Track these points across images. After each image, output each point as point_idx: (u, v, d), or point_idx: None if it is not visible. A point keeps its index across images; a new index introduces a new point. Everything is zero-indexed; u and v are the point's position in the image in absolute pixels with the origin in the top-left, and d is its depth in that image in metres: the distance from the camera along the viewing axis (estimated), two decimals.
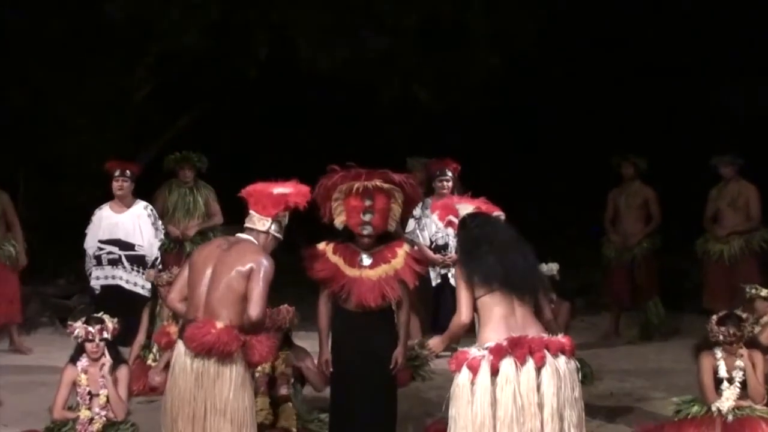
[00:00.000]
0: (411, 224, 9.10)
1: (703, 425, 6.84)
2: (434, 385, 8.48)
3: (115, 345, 6.76)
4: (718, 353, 6.92)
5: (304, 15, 12.32)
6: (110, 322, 6.63)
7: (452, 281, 8.97)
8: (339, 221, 6.00)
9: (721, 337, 6.82)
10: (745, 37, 13.27)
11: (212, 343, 5.22)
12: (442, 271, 9.07)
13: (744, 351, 6.89)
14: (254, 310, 5.26)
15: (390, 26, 12.39)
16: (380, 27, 12.37)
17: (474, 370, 5.00)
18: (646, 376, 8.71)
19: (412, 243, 9.13)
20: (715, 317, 6.88)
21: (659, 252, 10.38)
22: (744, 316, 6.95)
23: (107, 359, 6.61)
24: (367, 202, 5.90)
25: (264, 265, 5.33)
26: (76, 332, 6.61)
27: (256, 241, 5.48)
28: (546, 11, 12.75)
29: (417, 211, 8.98)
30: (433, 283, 9.10)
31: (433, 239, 9.12)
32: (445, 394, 7.90)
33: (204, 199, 9.56)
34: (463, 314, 5.10)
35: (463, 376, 5.06)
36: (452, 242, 9.00)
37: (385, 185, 5.95)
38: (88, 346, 6.58)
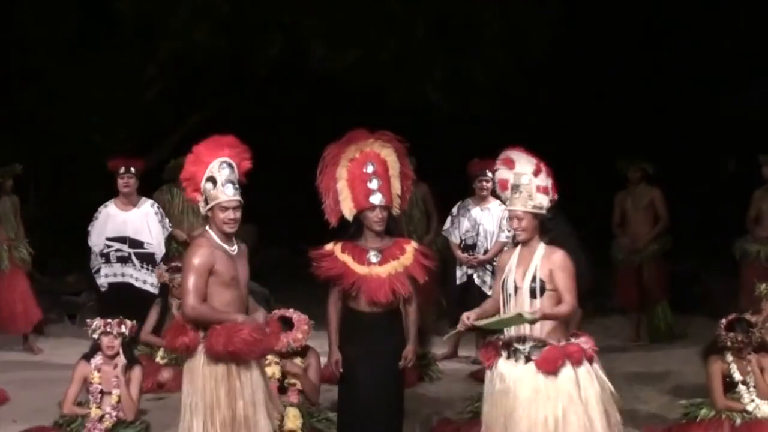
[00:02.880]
0: (448, 222, 9.18)
1: (711, 428, 6.84)
2: (442, 385, 8.50)
3: (131, 346, 6.80)
4: (729, 357, 6.92)
5: (315, 15, 12.34)
6: (129, 321, 6.68)
7: (477, 281, 9.02)
8: (347, 209, 5.92)
9: (729, 343, 6.82)
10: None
11: (172, 347, 5.43)
12: (469, 271, 9.06)
13: (753, 357, 6.90)
14: (182, 305, 5.32)
15: (401, 27, 12.40)
16: (391, 28, 12.38)
17: (591, 360, 5.37)
18: (654, 378, 8.71)
19: (437, 238, 9.28)
20: (724, 321, 6.87)
21: (669, 254, 10.36)
22: (753, 320, 6.93)
23: (122, 359, 6.64)
24: (370, 168, 5.87)
25: (185, 257, 5.41)
26: (94, 325, 6.64)
27: (209, 231, 5.41)
28: (557, 14, 12.75)
29: (454, 210, 9.15)
30: (458, 282, 9.12)
31: (463, 238, 9.11)
32: (453, 394, 8.01)
33: None
34: (573, 304, 5.33)
35: (586, 365, 5.31)
36: (480, 243, 9.04)
37: (383, 150, 5.94)
38: (105, 339, 6.59)
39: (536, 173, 5.42)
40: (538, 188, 5.41)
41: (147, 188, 9.37)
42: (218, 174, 5.34)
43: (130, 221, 8.92)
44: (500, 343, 5.42)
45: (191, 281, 5.26)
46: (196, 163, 5.42)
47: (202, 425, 5.23)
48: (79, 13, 12.28)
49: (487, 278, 8.92)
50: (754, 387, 6.89)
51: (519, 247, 5.47)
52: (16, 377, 8.60)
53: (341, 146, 5.97)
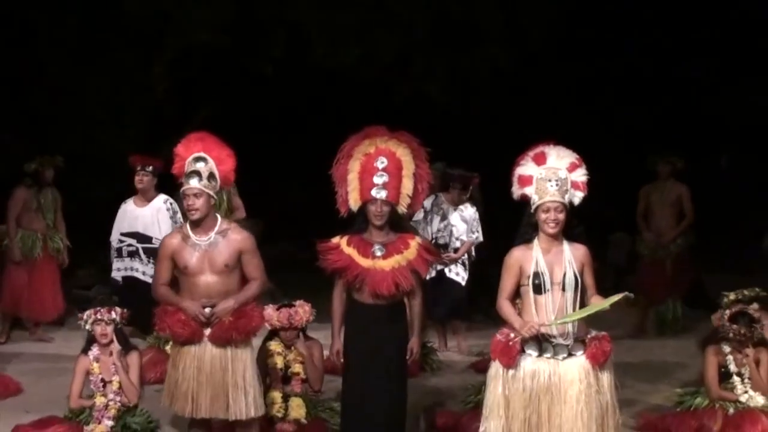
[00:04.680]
0: (420, 214, 9.18)
1: (705, 417, 6.88)
2: (442, 376, 8.54)
3: (123, 332, 6.84)
4: (726, 348, 6.95)
5: (319, 14, 12.36)
6: (118, 308, 6.74)
7: (450, 275, 9.22)
8: (353, 200, 5.98)
9: (731, 334, 6.85)
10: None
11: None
12: (439, 267, 9.14)
13: (750, 351, 6.94)
14: None
15: (402, 25, 12.43)
16: (393, 27, 12.40)
17: None
18: (649, 369, 8.74)
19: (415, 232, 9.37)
20: (728, 312, 6.88)
21: (693, 249, 10.30)
22: (757, 316, 6.94)
23: (116, 346, 6.68)
24: (381, 164, 5.92)
25: None
26: (85, 316, 6.70)
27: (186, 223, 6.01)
28: (557, 12, 12.77)
29: (427, 204, 9.10)
30: (428, 277, 9.17)
31: (435, 237, 9.22)
32: (453, 385, 8.05)
33: (227, 195, 9.59)
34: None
35: None
36: (452, 243, 9.21)
37: (399, 149, 5.99)
38: (98, 328, 6.64)
39: (572, 169, 5.37)
40: (573, 184, 5.35)
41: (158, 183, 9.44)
42: (189, 167, 5.79)
43: (141, 217, 8.99)
44: (525, 340, 5.26)
45: (157, 266, 5.98)
46: (177, 160, 5.89)
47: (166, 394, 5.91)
48: (87, 13, 12.30)
49: (460, 270, 9.25)
50: (749, 379, 6.93)
51: (535, 244, 5.34)
52: (29, 369, 8.64)
53: (357, 140, 6.04)
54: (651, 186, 10.29)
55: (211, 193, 5.79)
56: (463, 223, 9.26)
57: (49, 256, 9.73)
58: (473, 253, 9.37)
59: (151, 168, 9.00)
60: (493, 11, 12.55)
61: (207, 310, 5.72)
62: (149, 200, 9.05)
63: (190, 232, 5.79)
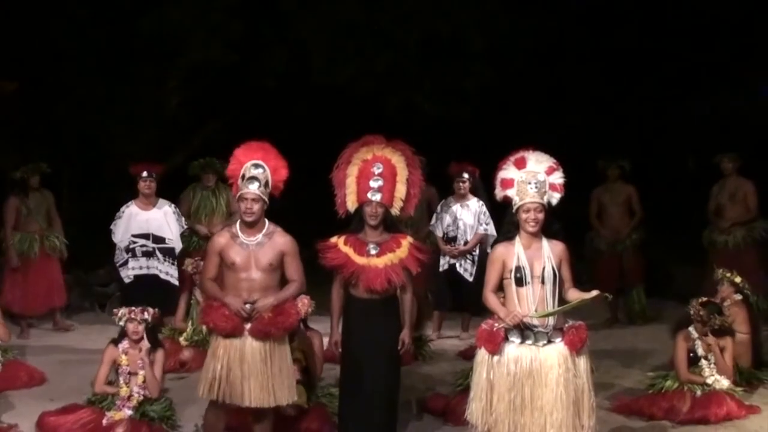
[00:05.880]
0: (434, 218, 9.33)
1: (675, 398, 6.88)
2: (434, 364, 8.49)
3: (154, 331, 6.81)
4: (694, 333, 6.97)
5: (317, 33, 12.35)
6: (151, 309, 6.71)
7: (459, 269, 9.17)
8: (351, 201, 5.99)
9: (692, 312, 6.98)
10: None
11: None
12: (451, 261, 9.16)
13: (711, 339, 7.00)
14: None
15: (394, 43, 12.40)
16: (385, 44, 12.38)
17: None
18: (623, 355, 8.71)
19: (430, 233, 9.36)
20: (700, 299, 7.03)
21: (645, 243, 10.33)
22: (724, 307, 7.13)
23: (145, 343, 6.67)
24: (377, 170, 5.93)
25: None
26: (120, 313, 6.66)
27: (236, 223, 5.92)
28: (537, 28, 12.75)
29: (438, 208, 9.30)
30: (441, 269, 9.23)
31: (446, 231, 9.24)
32: (443, 371, 8.01)
33: (225, 200, 9.53)
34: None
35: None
36: (460, 236, 9.16)
37: (394, 156, 5.97)
38: (130, 326, 6.61)
39: (550, 172, 5.37)
40: (551, 186, 5.35)
41: (167, 188, 9.37)
42: (247, 172, 5.72)
43: (152, 219, 8.92)
44: (509, 328, 5.25)
45: (205, 262, 5.89)
46: (234, 162, 5.80)
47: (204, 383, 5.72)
48: (106, 30, 12.26)
49: (468, 266, 9.15)
50: (715, 363, 6.94)
51: (517, 241, 5.34)
52: (53, 360, 8.58)
53: (357, 147, 6.05)
54: (602, 188, 10.32)
55: (266, 199, 5.73)
56: (470, 216, 9.14)
57: (46, 254, 9.78)
58: (488, 249, 9.20)
59: (155, 174, 8.98)
60: (477, 31, 12.53)
61: (248, 306, 5.64)
62: (153, 204, 8.98)
63: (239, 232, 5.74)
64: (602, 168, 10.30)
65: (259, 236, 5.72)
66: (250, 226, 5.73)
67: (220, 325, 5.65)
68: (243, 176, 5.70)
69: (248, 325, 5.65)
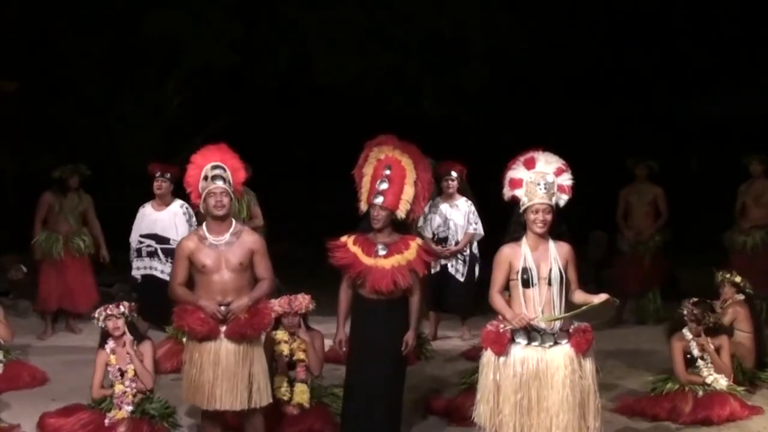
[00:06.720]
0: (421, 220, 9.07)
1: (677, 399, 6.85)
2: (436, 364, 8.46)
3: (134, 324, 6.77)
4: (688, 335, 6.94)
5: (319, 34, 12.33)
6: (126, 302, 6.69)
7: (451, 270, 9.08)
8: (363, 202, 6.00)
9: (685, 312, 6.97)
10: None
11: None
12: (443, 262, 9.08)
13: (704, 339, 6.98)
14: None
15: (396, 43, 12.39)
16: (387, 44, 12.37)
17: None
18: (626, 356, 8.66)
19: (420, 235, 9.28)
20: (692, 299, 7.00)
21: (669, 245, 10.28)
22: (716, 306, 7.12)
23: (128, 336, 6.62)
24: (386, 171, 5.93)
25: None
26: (97, 314, 6.65)
27: (202, 226, 5.86)
28: (537, 29, 12.74)
29: (426, 209, 8.95)
30: (433, 270, 9.12)
31: (436, 233, 9.13)
32: (447, 372, 7.97)
33: (246, 203, 9.46)
34: None
35: None
36: (451, 236, 9.07)
37: (404, 158, 5.96)
38: (109, 324, 6.57)
39: (559, 173, 5.31)
40: (560, 187, 5.30)
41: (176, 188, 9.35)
42: (209, 172, 5.69)
43: (159, 219, 8.91)
44: (515, 329, 5.21)
45: (174, 267, 5.84)
46: (193, 168, 5.77)
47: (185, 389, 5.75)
48: (110, 32, 12.26)
49: (459, 266, 9.09)
50: (711, 363, 6.92)
51: (524, 242, 5.28)
52: (55, 360, 8.55)
53: (372, 146, 6.05)
54: (629, 188, 10.27)
55: (233, 195, 5.74)
56: (460, 216, 9.06)
57: (72, 255, 9.76)
58: (475, 250, 9.16)
59: (168, 175, 8.94)
60: (477, 30, 12.52)
61: (223, 308, 5.62)
62: (167, 204, 8.96)
63: (206, 234, 5.71)
64: (630, 166, 10.24)
65: (227, 235, 5.70)
66: (219, 224, 5.69)
67: (196, 329, 5.62)
68: (206, 177, 5.69)
69: (223, 328, 5.64)
